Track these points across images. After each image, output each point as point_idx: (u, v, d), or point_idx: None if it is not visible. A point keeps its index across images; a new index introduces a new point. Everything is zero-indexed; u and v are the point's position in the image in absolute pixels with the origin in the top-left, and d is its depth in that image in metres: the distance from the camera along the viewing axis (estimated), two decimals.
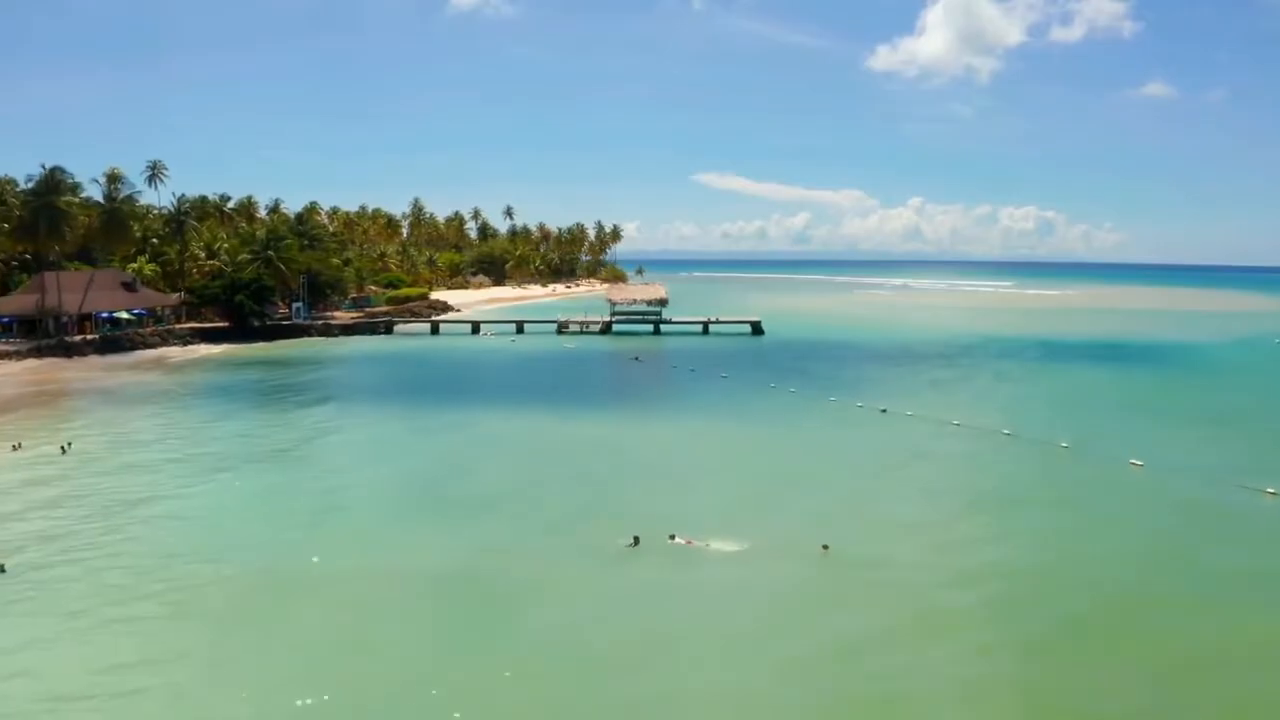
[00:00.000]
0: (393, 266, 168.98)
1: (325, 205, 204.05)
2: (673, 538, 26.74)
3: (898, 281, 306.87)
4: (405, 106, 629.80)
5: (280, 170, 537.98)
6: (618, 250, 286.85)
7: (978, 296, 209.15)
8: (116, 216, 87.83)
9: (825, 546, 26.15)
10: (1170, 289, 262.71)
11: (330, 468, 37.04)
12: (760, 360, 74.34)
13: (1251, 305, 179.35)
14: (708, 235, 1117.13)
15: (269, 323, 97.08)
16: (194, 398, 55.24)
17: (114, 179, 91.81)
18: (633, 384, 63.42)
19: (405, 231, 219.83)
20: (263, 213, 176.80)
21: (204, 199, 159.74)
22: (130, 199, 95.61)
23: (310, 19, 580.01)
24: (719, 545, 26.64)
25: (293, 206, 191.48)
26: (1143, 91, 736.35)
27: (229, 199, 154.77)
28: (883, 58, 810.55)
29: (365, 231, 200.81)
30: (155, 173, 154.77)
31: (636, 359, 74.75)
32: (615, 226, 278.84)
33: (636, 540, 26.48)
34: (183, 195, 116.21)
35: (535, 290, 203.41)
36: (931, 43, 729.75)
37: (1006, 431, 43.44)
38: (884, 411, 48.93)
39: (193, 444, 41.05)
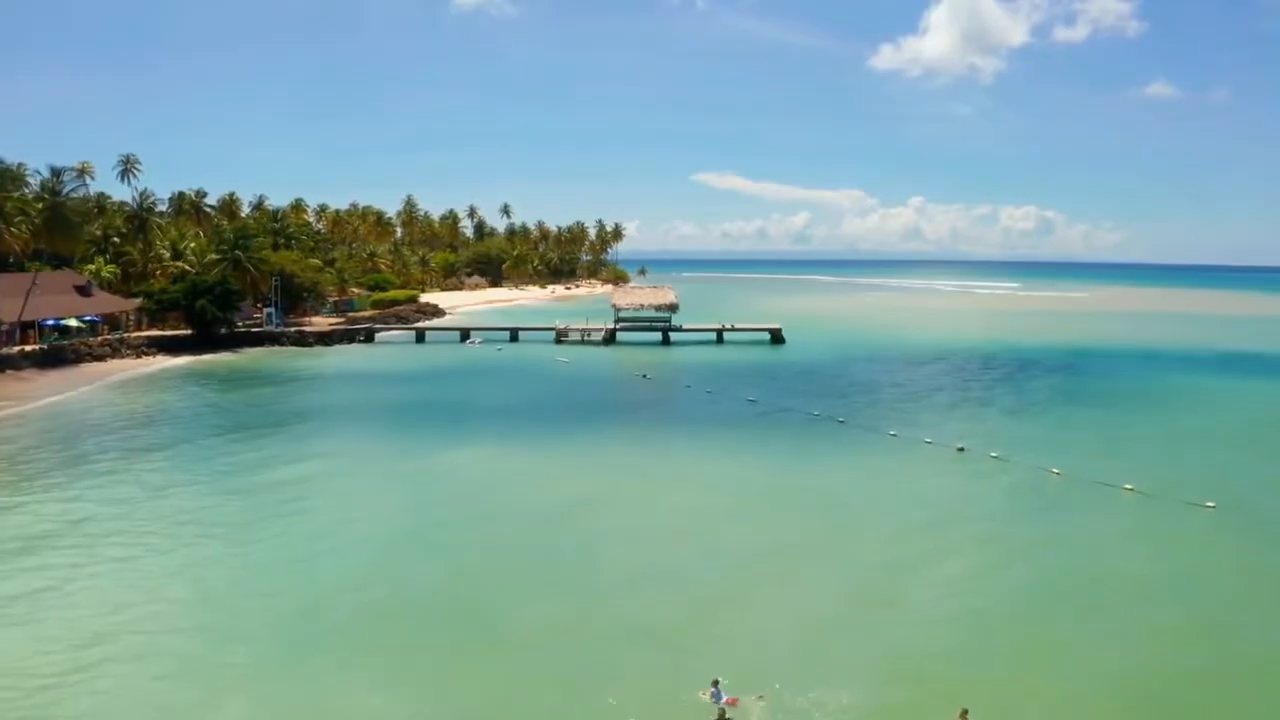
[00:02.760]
0: (383, 267, 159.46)
1: (329, 205, 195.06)
2: (716, 687, 17.16)
3: (905, 282, 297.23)
4: (406, 106, 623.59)
5: (279, 170, 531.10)
6: (618, 250, 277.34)
7: (992, 299, 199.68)
8: (60, 213, 78.15)
9: (964, 714, 16.65)
10: (1183, 290, 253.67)
11: (252, 556, 27.24)
12: (788, 378, 64.55)
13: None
14: (708, 235, 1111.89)
15: (237, 330, 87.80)
16: (114, 428, 45.65)
17: (58, 172, 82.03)
18: (644, 412, 53.06)
19: (399, 231, 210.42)
20: (247, 210, 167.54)
21: (181, 195, 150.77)
22: (78, 194, 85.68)
23: (312, 19, 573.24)
24: (814, 699, 17.29)
25: (281, 204, 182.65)
26: (1145, 92, 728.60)
27: (205, 194, 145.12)
28: (886, 57, 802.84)
29: (355, 230, 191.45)
30: (128, 168, 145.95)
31: (644, 376, 65.16)
32: (617, 225, 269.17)
33: (723, 716, 17.05)
34: (145, 190, 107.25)
35: (534, 292, 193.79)
36: (935, 43, 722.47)
37: (1129, 486, 33.87)
38: (961, 450, 39.46)
39: (80, 505, 31.48)
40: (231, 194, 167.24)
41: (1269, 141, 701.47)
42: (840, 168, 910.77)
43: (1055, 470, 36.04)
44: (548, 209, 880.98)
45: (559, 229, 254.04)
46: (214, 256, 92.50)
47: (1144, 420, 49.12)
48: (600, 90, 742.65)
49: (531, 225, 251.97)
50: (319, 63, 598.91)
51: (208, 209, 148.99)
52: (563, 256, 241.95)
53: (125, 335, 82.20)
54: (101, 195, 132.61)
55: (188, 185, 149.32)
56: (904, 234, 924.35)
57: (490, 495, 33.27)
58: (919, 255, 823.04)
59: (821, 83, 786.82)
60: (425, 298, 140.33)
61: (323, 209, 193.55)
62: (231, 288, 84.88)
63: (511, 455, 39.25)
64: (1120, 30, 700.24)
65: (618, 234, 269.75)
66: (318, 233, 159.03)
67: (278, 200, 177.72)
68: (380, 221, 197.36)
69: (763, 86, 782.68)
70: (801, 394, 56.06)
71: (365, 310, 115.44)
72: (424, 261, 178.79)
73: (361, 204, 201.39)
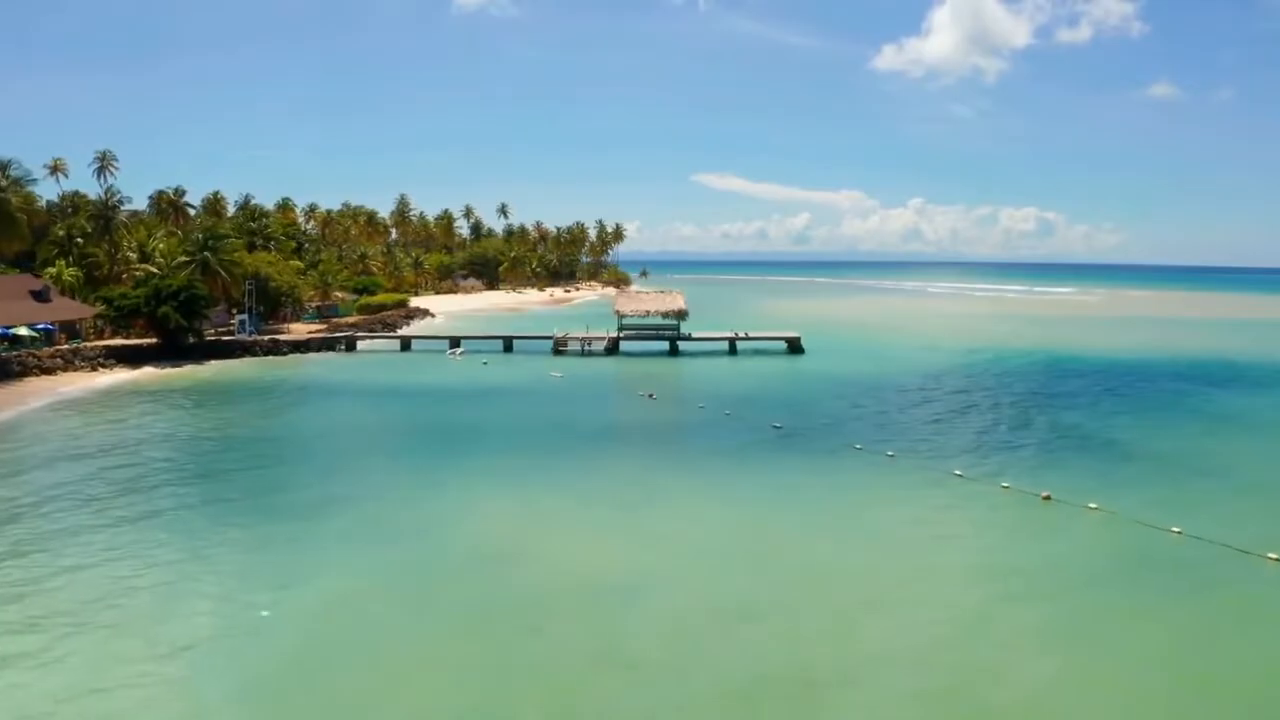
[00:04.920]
0: (375, 269, 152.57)
1: (319, 204, 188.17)
2: None
3: (910, 284, 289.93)
4: (407, 106, 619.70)
5: (280, 170, 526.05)
6: (618, 251, 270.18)
7: (1006, 302, 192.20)
8: (3, 210, 70.90)
9: None
10: (1200, 293, 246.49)
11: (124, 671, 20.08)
12: (815, 396, 56.82)
13: None
14: (708, 236, 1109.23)
15: (207, 339, 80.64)
16: (27, 462, 38.39)
17: (3, 165, 74.74)
18: (650, 444, 43.94)
19: (393, 233, 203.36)
20: (233, 209, 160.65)
21: (160, 193, 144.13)
22: (21, 186, 78.33)
23: (313, 19, 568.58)
24: None
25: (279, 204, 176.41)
26: (1148, 92, 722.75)
27: (184, 192, 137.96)
28: (888, 58, 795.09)
29: (346, 231, 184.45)
30: (104, 165, 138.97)
31: (651, 395, 57.54)
32: (618, 226, 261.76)
33: None
34: (111, 186, 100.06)
35: (531, 295, 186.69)
36: (938, 44, 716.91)
37: (1274, 555, 26.53)
38: (1047, 499, 32.06)
39: None
40: (216, 192, 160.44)
41: (1271, 142, 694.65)
42: (840, 169, 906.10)
43: (1175, 529, 28.67)
44: (547, 210, 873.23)
45: (558, 230, 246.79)
46: (182, 258, 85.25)
47: (1265, 460, 40.07)
48: (601, 91, 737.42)
49: (530, 226, 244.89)
50: (320, 63, 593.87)
51: (188, 208, 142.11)
52: (562, 258, 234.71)
53: (80, 345, 74.93)
54: (76, 194, 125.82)
55: (190, 186, 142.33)
56: (904, 235, 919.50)
57: (458, 572, 25.84)
58: (919, 256, 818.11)
59: (822, 84, 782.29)
60: (416, 301, 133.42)
61: (312, 209, 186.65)
62: (199, 292, 77.48)
63: (487, 511, 31.21)
64: (1124, 31, 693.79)
65: (618, 235, 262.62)
66: (303, 233, 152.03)
67: (273, 200, 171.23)
68: (371, 221, 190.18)
69: (763, 88, 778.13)
70: (835, 418, 48.59)
71: (351, 315, 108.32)
72: (417, 263, 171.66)
73: (362, 205, 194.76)
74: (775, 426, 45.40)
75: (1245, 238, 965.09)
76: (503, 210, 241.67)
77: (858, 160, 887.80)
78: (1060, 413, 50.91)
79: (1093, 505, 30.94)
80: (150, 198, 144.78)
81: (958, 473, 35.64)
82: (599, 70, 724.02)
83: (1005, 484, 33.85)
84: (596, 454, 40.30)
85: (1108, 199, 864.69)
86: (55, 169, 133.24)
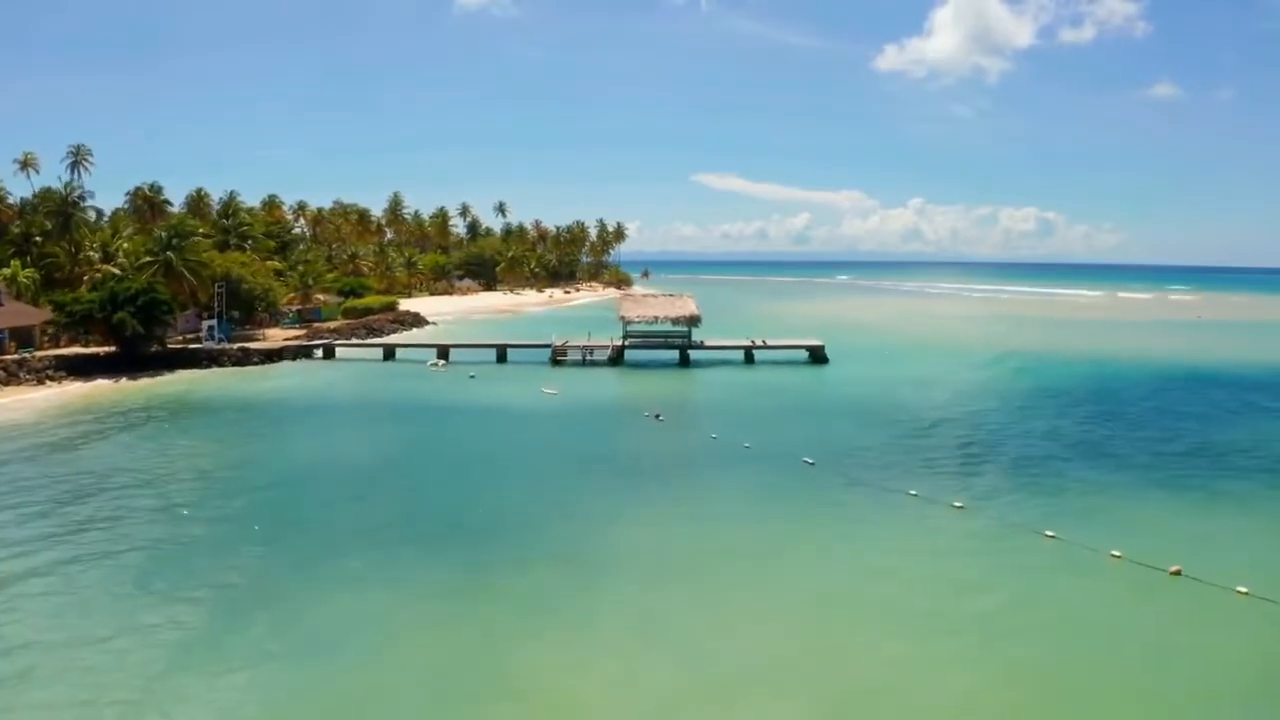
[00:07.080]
0: (365, 269, 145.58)
1: (308, 203, 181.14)
2: None
3: (921, 285, 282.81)
4: (406, 106, 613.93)
5: (279, 170, 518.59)
6: (619, 251, 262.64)
7: (1015, 303, 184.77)
8: None
9: None
10: (1223, 294, 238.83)
11: None
12: (847, 419, 49.04)
13: None
14: (708, 236, 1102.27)
15: (171, 347, 73.68)
16: None
17: None
18: (653, 489, 34.85)
19: (389, 233, 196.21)
20: (217, 208, 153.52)
21: (137, 190, 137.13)
22: None
23: (313, 19, 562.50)
24: None
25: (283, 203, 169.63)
26: (1150, 92, 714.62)
27: (161, 189, 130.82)
28: (890, 58, 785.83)
29: (338, 230, 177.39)
30: (78, 159, 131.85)
31: (657, 417, 50.13)
32: (619, 225, 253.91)
33: None
34: (71, 181, 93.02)
35: (530, 296, 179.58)
36: (940, 44, 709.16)
37: None
38: (1177, 574, 24.75)
39: None
40: (199, 189, 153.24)
41: (1271, 142, 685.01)
42: (840, 169, 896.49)
43: None
44: (546, 211, 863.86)
45: (558, 229, 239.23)
46: (146, 259, 78.20)
47: None
48: (601, 91, 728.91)
49: (528, 224, 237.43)
50: (320, 63, 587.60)
51: (167, 205, 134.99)
52: (561, 258, 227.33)
53: (30, 355, 67.92)
54: (48, 190, 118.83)
55: (189, 187, 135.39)
56: (904, 235, 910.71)
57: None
58: (919, 256, 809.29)
59: (823, 84, 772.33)
60: (408, 304, 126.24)
61: (301, 206, 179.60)
62: (159, 296, 70.31)
63: (424, 618, 23.61)
64: (1127, 31, 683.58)
65: (620, 234, 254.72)
66: (290, 232, 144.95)
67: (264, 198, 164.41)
68: (363, 220, 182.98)
69: (763, 88, 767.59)
70: (876, 449, 41.16)
71: (335, 320, 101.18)
72: (410, 263, 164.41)
73: (354, 203, 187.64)
74: (807, 462, 38.20)
75: (1245, 238, 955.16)
76: (500, 209, 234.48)
77: (858, 160, 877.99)
78: (1156, 444, 42.47)
79: (1242, 589, 23.73)
80: (127, 195, 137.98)
81: (1049, 533, 28.33)
82: (599, 70, 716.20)
83: (1116, 552, 26.51)
84: (581, 515, 31.14)
85: (1108, 199, 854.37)
86: (25, 164, 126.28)
